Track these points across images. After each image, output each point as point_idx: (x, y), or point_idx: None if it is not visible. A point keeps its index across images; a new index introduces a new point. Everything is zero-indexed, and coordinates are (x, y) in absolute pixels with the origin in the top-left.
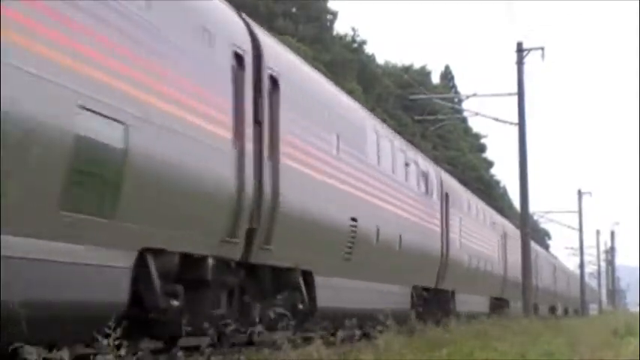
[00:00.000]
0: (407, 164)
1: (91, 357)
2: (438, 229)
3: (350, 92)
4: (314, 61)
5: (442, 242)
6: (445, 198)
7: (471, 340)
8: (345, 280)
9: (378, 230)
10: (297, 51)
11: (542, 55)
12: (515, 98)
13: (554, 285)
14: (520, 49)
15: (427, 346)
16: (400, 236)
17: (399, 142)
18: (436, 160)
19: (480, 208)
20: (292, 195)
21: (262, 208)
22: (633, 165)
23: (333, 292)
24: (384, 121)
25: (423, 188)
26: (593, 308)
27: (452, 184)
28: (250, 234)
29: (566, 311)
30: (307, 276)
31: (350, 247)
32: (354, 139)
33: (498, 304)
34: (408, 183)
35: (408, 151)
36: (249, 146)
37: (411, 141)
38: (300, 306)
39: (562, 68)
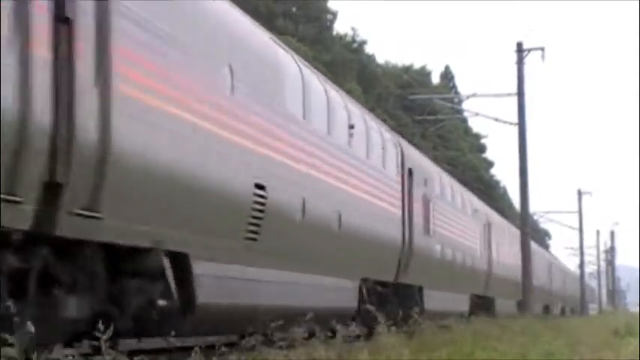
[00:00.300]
0: (351, 126)
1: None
2: (398, 211)
3: (350, 92)
4: (314, 62)
5: (403, 227)
6: (408, 174)
7: (471, 340)
8: (250, 269)
9: (303, 204)
10: (297, 51)
11: (542, 56)
12: (515, 98)
13: (549, 283)
14: (520, 49)
15: (427, 346)
16: (340, 214)
17: (340, 95)
18: (436, 161)
19: (456, 191)
20: (141, 139)
21: (75, 153)
22: (633, 165)
23: (227, 284)
24: (384, 121)
25: (375, 158)
26: (592, 308)
27: (417, 158)
28: (53, 191)
29: (562, 311)
30: (182, 261)
31: (255, 224)
32: (263, 80)
33: (482, 303)
34: (353, 149)
35: (354, 110)
36: (45, 53)
37: (411, 141)
38: (162, 302)
39: (562, 68)
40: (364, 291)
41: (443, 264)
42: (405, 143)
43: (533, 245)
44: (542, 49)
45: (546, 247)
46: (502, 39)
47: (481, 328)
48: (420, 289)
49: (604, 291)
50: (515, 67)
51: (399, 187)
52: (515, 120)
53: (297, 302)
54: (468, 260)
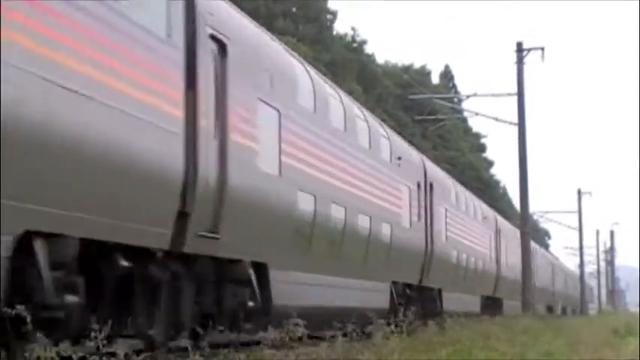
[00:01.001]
0: None
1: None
2: (177, 112)
3: (350, 92)
4: (314, 62)
5: (191, 140)
6: (217, 49)
7: (470, 340)
8: None
9: None
10: (297, 51)
11: (542, 56)
12: (515, 98)
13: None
14: (520, 49)
15: (427, 345)
16: None
17: None
18: (436, 160)
19: (347, 106)
20: None
21: None
22: (633, 165)
23: None
24: (384, 121)
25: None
26: (592, 308)
27: (237, 22)
28: None
29: (549, 309)
30: None
31: None
32: None
33: (417, 296)
34: None
35: None
36: None
37: (411, 141)
38: None
39: (562, 68)
40: (41, 264)
41: (308, 227)
42: None
43: (502, 219)
44: (542, 48)
45: (546, 246)
46: (502, 39)
47: (481, 328)
48: (264, 268)
49: (603, 291)
50: (515, 67)
51: (179, 72)
52: (515, 120)
53: None
54: (381, 229)
